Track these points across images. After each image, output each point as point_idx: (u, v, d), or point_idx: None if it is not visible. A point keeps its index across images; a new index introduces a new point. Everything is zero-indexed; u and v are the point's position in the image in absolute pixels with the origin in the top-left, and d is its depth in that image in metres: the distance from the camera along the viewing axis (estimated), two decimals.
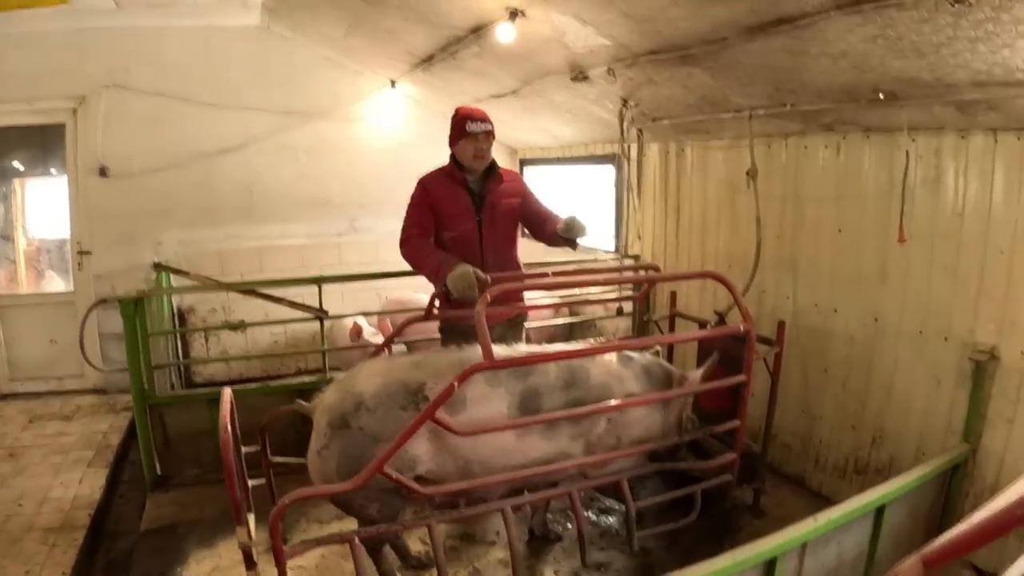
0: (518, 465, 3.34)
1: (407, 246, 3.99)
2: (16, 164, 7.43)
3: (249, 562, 2.87)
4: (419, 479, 3.19)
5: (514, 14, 4.24)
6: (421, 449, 3.18)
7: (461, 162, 4.06)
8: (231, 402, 3.28)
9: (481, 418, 3.24)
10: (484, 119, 3.97)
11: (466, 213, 4.04)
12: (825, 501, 4.43)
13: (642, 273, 5.34)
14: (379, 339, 5.79)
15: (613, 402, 3.46)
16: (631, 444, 3.62)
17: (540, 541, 4.17)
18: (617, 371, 3.67)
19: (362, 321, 6.60)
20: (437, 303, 4.08)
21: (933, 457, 3.71)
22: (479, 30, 4.86)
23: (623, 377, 3.66)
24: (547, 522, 4.23)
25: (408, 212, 4.09)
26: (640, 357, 3.84)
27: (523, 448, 3.35)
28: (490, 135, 3.99)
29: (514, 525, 3.24)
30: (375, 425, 3.14)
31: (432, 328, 4.56)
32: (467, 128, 3.93)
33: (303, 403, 3.45)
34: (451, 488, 3.20)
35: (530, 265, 4.73)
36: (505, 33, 4.41)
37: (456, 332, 4.13)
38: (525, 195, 4.17)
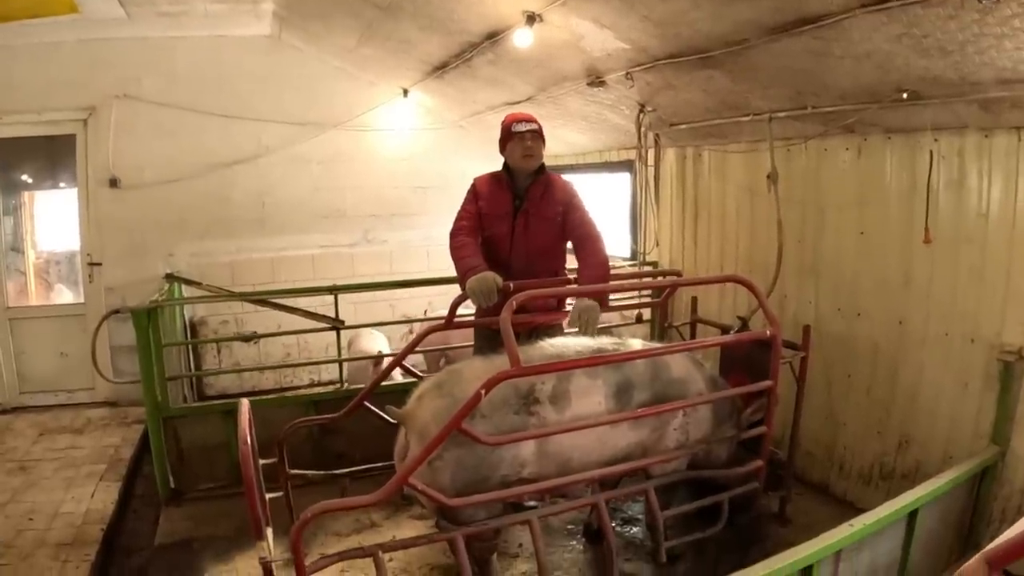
0: (610, 455, 3.44)
1: (453, 239, 4.04)
2: (25, 176, 7.42)
3: None
4: (522, 480, 3.26)
5: (532, 19, 4.22)
6: (528, 451, 3.23)
7: (511, 165, 4.10)
8: (249, 413, 3.20)
9: (585, 411, 3.34)
10: (530, 120, 4.03)
11: (504, 216, 4.06)
12: (850, 507, 4.38)
13: (666, 278, 5.30)
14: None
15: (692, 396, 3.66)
16: (693, 444, 3.73)
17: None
18: (692, 370, 3.81)
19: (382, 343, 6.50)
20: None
21: (961, 461, 3.65)
22: (495, 36, 4.84)
23: (696, 378, 3.80)
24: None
25: (461, 207, 4.16)
26: (709, 367, 3.99)
27: (614, 437, 3.44)
28: (537, 135, 4.02)
29: (540, 537, 3.18)
30: (492, 433, 3.10)
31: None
32: (513, 129, 4.00)
33: (394, 409, 3.33)
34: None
35: None
36: (522, 38, 4.38)
37: (486, 336, 4.16)
38: (569, 209, 4.04)
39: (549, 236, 4.08)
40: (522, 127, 3.99)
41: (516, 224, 4.04)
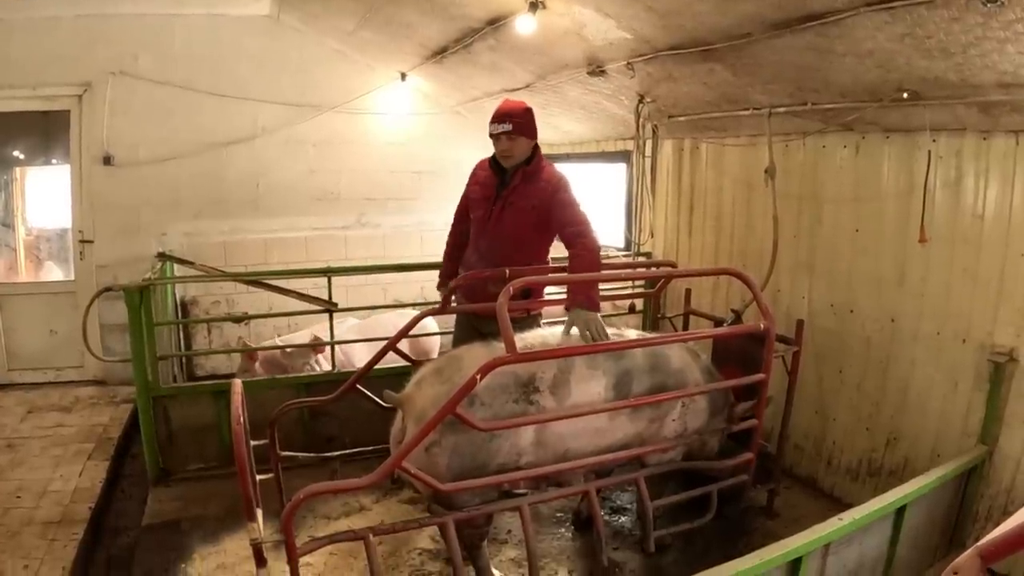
0: (608, 447, 3.44)
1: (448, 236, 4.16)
2: (17, 152, 7.36)
3: (260, 559, 2.79)
4: (519, 470, 3.26)
5: (534, 5, 4.19)
6: (526, 441, 3.23)
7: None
8: (242, 394, 3.19)
9: (584, 400, 3.33)
10: (504, 119, 3.91)
11: (485, 200, 4.08)
12: (837, 503, 4.42)
13: (660, 269, 5.29)
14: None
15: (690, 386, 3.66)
16: (691, 435, 3.74)
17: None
18: (690, 361, 3.82)
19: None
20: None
21: (949, 459, 3.69)
22: (496, 22, 4.81)
23: (694, 368, 3.81)
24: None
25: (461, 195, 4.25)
26: (704, 358, 4.01)
27: (612, 429, 3.43)
28: (510, 136, 3.91)
29: (530, 524, 3.19)
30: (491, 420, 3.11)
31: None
32: (490, 131, 3.98)
33: (392, 393, 3.30)
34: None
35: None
36: (525, 25, 4.36)
37: (465, 326, 4.24)
38: (552, 205, 3.88)
39: (519, 227, 4.00)
40: (493, 128, 3.93)
41: (493, 209, 4.04)
